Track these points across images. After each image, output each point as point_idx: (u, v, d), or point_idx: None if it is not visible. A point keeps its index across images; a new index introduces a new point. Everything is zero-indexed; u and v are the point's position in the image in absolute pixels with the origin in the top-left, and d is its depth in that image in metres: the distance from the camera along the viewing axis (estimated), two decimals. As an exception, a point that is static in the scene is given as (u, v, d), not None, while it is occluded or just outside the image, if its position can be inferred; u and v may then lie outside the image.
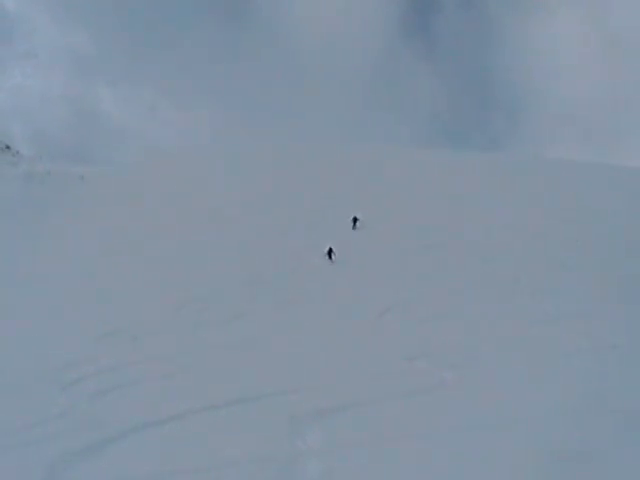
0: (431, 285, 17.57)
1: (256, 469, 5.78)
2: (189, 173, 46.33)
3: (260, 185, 39.90)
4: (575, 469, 4.84)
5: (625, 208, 28.19)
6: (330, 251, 19.97)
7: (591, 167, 45.35)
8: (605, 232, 23.66)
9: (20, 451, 6.42)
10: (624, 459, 4.99)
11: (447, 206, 30.80)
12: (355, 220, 25.03)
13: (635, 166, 45.23)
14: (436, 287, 17.32)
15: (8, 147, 54.86)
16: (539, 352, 10.19)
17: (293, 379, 9.29)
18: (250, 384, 9.06)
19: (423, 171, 42.90)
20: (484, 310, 14.44)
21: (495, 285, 17.30)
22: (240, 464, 5.88)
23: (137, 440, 6.68)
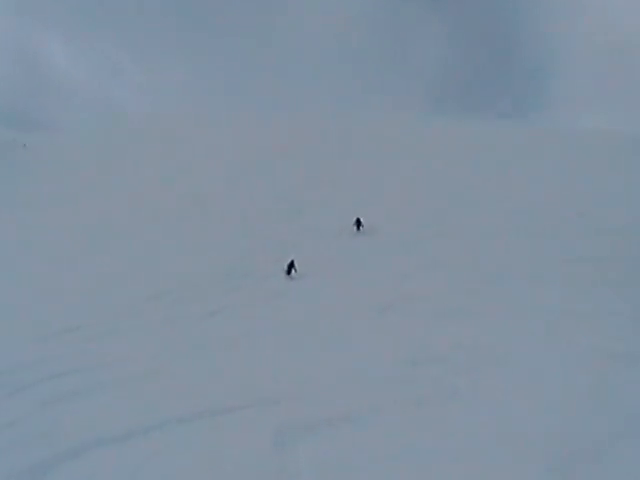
0: (439, 278, 17.60)
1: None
2: (159, 144, 45.41)
3: (243, 162, 39.35)
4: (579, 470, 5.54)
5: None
6: (291, 264, 18.50)
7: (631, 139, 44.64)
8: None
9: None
10: (626, 459, 5.78)
11: (462, 184, 30.54)
12: (359, 223, 23.42)
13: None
14: (445, 280, 17.36)
15: None
16: (561, 353, 10.26)
17: (279, 386, 9.19)
18: (229, 392, 8.95)
19: (435, 143, 42.43)
20: (499, 306, 14.38)
21: (513, 277, 17.31)
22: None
23: (95, 458, 6.54)
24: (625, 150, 38.36)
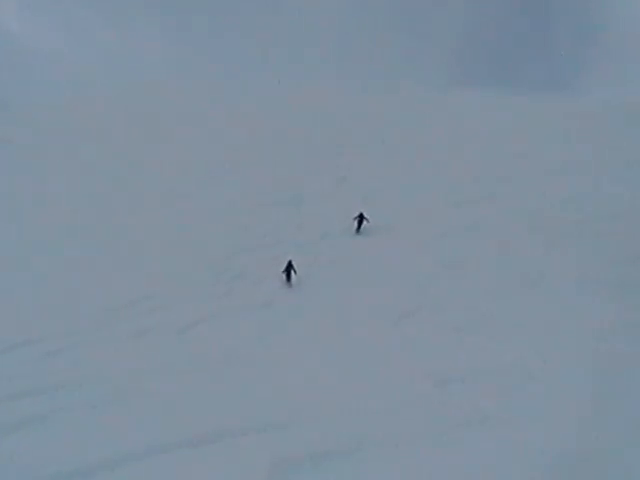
0: (464, 280, 17.61)
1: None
2: (132, 123, 45.32)
3: (232, 142, 39.23)
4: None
5: None
6: (289, 267, 18.05)
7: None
8: None
9: None
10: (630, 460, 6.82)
11: (490, 169, 30.38)
12: (361, 220, 22.49)
13: None
14: (471, 283, 17.37)
15: None
16: (599, 369, 10.36)
17: (280, 410, 9.14)
18: (216, 416, 8.88)
19: (460, 119, 42.28)
20: (532, 315, 14.58)
21: (552, 280, 17.30)
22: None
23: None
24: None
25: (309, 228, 23.54)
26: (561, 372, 10.84)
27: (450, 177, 29.87)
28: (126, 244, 22.13)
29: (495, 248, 20.39)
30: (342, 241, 22.01)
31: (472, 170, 30.91)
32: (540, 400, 9.73)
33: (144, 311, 15.95)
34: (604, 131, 36.02)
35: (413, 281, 17.76)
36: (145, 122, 45.01)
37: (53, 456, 7.64)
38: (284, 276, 18.11)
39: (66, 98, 53.77)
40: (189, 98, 51.77)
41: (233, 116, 45.33)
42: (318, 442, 7.67)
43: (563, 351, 12.22)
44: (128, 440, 7.93)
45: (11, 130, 42.93)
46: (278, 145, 38.11)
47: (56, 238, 22.80)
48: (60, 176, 32.56)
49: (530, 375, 11.21)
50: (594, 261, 18.56)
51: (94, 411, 9.54)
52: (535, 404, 9.56)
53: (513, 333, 13.64)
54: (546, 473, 6.87)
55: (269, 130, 42.07)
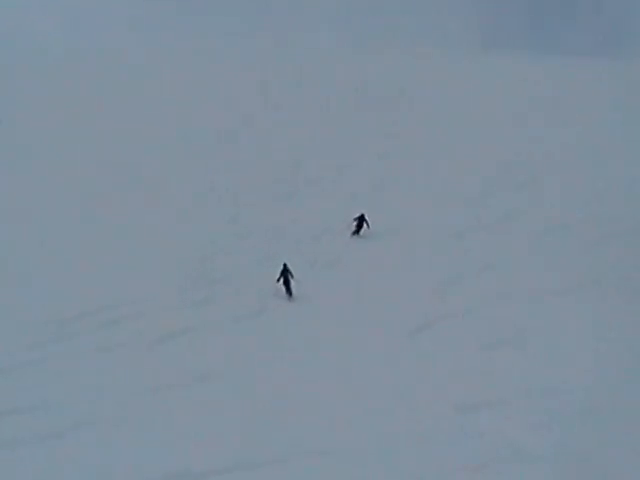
0: (488, 287, 17.57)
1: None
2: (85, 96, 44.95)
3: (213, 118, 39.03)
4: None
5: None
6: (285, 273, 17.39)
7: None
8: None
9: None
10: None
11: (518, 151, 30.29)
12: (361, 221, 21.87)
13: None
14: (497, 289, 17.37)
15: None
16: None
17: (261, 444, 9.15)
18: (190, 453, 8.94)
19: (491, 89, 42.32)
20: (566, 328, 14.77)
21: (599, 287, 17.30)
22: None
23: None
24: None
25: (306, 223, 23.39)
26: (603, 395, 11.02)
27: (473, 161, 29.81)
28: (85, 241, 21.78)
29: (526, 247, 20.37)
30: (344, 238, 21.83)
31: (501, 152, 30.99)
32: (583, 431, 9.80)
33: (109, 322, 15.88)
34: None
35: (428, 287, 17.66)
36: (99, 90, 44.82)
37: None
38: (281, 286, 17.41)
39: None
40: (157, 63, 51.56)
41: (226, 83, 45.16)
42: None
43: (606, 371, 12.37)
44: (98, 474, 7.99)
45: None
46: (272, 120, 38.04)
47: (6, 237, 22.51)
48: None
49: (569, 400, 11.24)
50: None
51: (45, 444, 9.58)
52: (574, 436, 9.63)
53: (549, 349, 13.66)
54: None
55: (261, 99, 41.98)
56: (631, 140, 31.14)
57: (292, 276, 17.36)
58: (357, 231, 21.74)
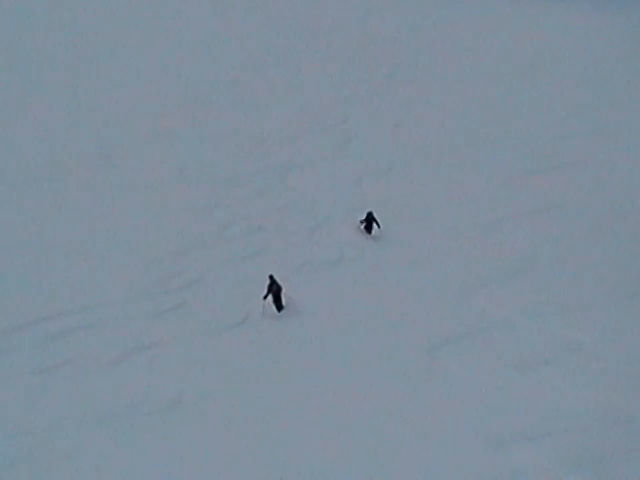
0: (526, 291, 17.48)
1: None
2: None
3: (190, 73, 39.12)
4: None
5: None
6: (272, 286, 16.88)
7: None
8: None
9: None
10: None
11: (570, 122, 30.31)
12: (369, 222, 21.50)
13: None
14: (537, 295, 17.20)
15: None
16: None
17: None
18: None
19: (525, 43, 42.59)
20: (615, 345, 14.66)
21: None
22: None
23: None
24: None
25: (300, 210, 23.17)
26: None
27: (505, 134, 29.76)
28: (27, 231, 21.42)
29: (572, 243, 20.17)
30: (346, 230, 21.63)
31: (538, 123, 30.94)
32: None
33: (50, 336, 15.65)
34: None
35: (451, 293, 17.57)
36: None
37: None
38: (269, 303, 17.06)
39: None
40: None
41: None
42: None
43: None
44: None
45: None
46: (262, 83, 38.42)
47: None
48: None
49: (620, 433, 11.44)
50: None
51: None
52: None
53: (597, 370, 13.61)
54: None
55: (258, 47, 42.61)
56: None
57: (280, 288, 16.96)
58: (369, 229, 21.41)
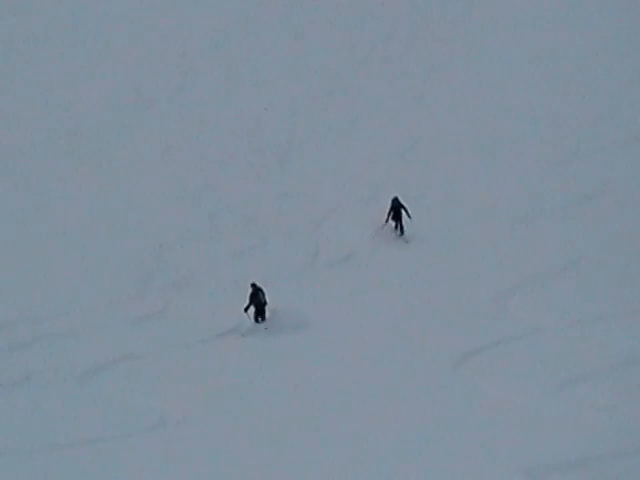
0: (571, 296, 17.37)
1: None
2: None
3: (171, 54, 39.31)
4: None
5: None
6: (255, 297, 16.98)
7: None
8: None
9: None
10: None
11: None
12: (398, 211, 20.36)
13: None
14: (584, 304, 17.07)
15: None
16: None
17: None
18: None
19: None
20: None
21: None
22: None
23: None
24: None
25: (300, 199, 23.28)
26: None
27: (546, 107, 29.70)
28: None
29: (626, 234, 20.01)
30: (356, 223, 21.67)
31: (584, 96, 30.76)
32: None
33: (25, 342, 15.87)
34: None
35: (481, 296, 17.58)
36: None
37: None
38: (248, 315, 17.02)
39: None
40: None
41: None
42: None
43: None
44: None
45: None
46: (257, 47, 38.61)
47: None
48: None
49: None
50: None
51: None
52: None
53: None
54: None
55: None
56: None
57: (265, 302, 16.97)
58: (400, 230, 20.46)
